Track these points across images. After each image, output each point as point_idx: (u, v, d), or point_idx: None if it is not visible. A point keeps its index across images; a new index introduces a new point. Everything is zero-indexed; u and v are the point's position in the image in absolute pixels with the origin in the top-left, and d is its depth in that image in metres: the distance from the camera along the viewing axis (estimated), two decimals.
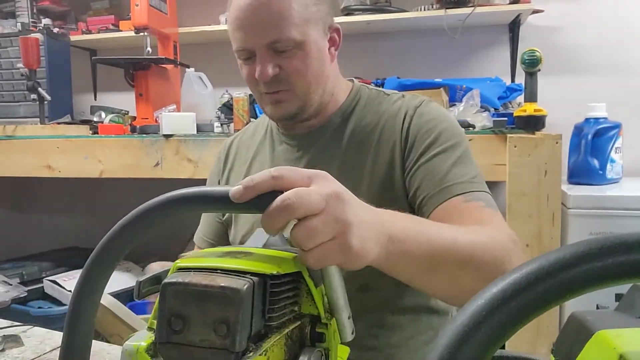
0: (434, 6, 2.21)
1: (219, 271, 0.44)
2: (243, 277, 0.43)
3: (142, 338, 0.45)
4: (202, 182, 0.50)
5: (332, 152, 0.97)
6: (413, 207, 0.90)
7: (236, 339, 0.42)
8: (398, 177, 0.92)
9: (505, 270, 0.66)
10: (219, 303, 0.42)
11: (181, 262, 0.46)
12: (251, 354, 0.42)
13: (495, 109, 1.93)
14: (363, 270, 0.60)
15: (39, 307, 2.08)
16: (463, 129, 0.97)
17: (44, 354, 0.88)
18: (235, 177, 1.07)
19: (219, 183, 1.10)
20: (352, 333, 0.50)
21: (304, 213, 0.46)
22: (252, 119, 2.03)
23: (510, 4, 2.13)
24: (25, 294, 1.96)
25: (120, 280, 2.16)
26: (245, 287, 0.42)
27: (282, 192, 0.46)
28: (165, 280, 0.43)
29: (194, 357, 0.43)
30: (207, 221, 1.11)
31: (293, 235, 0.47)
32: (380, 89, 1.04)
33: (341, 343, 0.50)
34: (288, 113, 0.95)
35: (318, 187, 0.48)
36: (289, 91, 0.93)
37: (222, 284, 0.42)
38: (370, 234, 0.52)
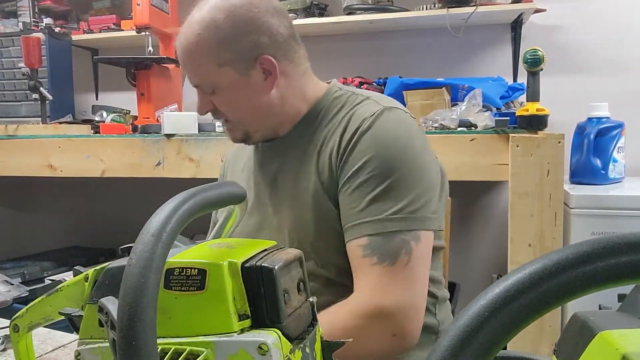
0: (436, 5, 2.21)
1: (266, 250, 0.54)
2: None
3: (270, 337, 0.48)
4: (204, 181, 0.50)
5: (291, 162, 1.00)
6: None
7: (308, 290, 0.56)
8: (331, 187, 0.93)
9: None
10: (296, 266, 0.55)
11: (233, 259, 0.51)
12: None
13: (498, 109, 1.92)
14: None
15: None
16: (415, 150, 0.92)
17: (45, 353, 0.88)
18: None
19: None
20: None
21: None
22: None
23: (512, 3, 2.12)
24: (27, 294, 1.96)
25: None
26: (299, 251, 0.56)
27: None
28: (265, 265, 0.50)
29: (301, 317, 0.53)
30: None
31: None
32: (353, 90, 1.04)
33: None
34: (236, 139, 1.03)
35: None
36: (229, 122, 1.00)
37: (295, 252, 0.55)
38: None
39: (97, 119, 2.33)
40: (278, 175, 1.01)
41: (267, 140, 1.04)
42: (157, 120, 2.09)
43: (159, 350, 0.43)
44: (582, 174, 1.85)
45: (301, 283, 0.56)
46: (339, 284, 0.94)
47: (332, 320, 0.85)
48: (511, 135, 1.54)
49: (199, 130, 1.97)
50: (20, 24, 2.59)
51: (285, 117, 1.00)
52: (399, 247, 0.86)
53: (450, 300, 1.11)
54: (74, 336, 0.94)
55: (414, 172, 0.90)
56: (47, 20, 2.65)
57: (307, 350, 0.52)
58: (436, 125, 1.69)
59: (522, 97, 2.04)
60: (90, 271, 0.57)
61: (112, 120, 2.23)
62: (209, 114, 1.03)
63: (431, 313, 1.00)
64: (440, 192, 0.96)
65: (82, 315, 0.56)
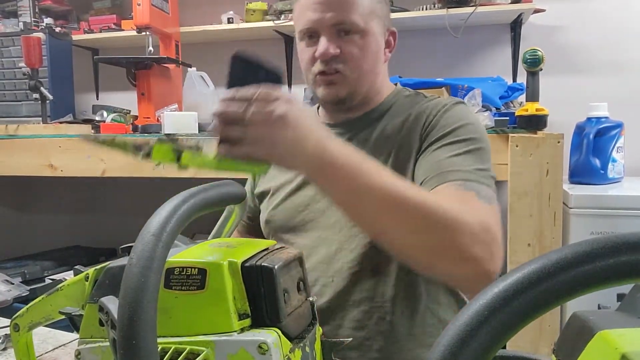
0: (436, 5, 2.21)
1: (267, 250, 0.55)
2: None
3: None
4: (204, 181, 0.50)
5: (362, 145, 1.00)
6: None
7: (308, 289, 0.56)
8: (410, 160, 0.95)
9: (449, 240, 0.73)
10: (296, 266, 0.56)
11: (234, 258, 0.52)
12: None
13: (497, 109, 1.92)
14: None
15: None
16: (487, 135, 0.97)
17: (45, 352, 0.88)
18: None
19: None
20: None
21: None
22: None
23: (511, 3, 2.12)
24: (27, 293, 1.96)
25: None
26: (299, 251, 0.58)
27: None
28: (265, 264, 0.50)
29: (301, 316, 0.54)
30: None
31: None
32: (420, 91, 1.09)
33: None
34: (338, 96, 1.00)
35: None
36: (342, 74, 0.98)
37: (295, 252, 0.56)
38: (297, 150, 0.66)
39: (97, 118, 2.33)
40: None
41: (335, 125, 1.05)
42: (158, 120, 2.09)
43: (159, 349, 0.44)
44: (582, 173, 1.85)
45: (301, 282, 0.56)
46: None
47: (450, 207, 0.76)
48: (510, 135, 1.54)
49: (199, 130, 1.97)
50: (21, 24, 2.59)
51: (375, 96, 1.04)
52: (490, 195, 0.85)
53: None
54: (74, 335, 0.94)
55: (488, 151, 0.94)
56: (48, 20, 2.65)
57: (307, 349, 0.52)
58: None
59: (522, 97, 2.04)
60: (90, 270, 0.58)
61: (112, 120, 2.23)
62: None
63: (455, 313, 1.00)
64: None
65: (82, 315, 0.56)
